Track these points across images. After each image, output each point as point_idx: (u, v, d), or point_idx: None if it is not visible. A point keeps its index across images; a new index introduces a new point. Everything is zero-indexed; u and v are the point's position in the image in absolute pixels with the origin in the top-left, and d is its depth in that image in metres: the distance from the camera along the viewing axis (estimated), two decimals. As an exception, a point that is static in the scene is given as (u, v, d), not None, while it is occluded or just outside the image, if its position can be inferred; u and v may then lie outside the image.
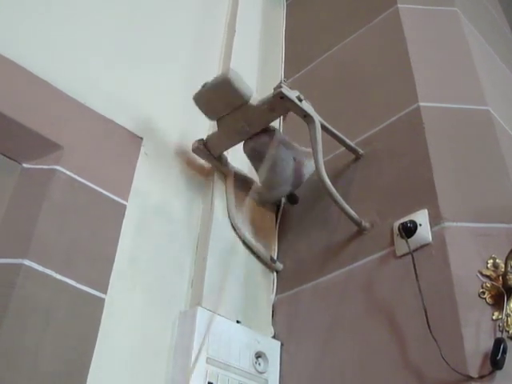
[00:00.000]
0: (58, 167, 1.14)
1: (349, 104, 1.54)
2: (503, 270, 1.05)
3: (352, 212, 1.26)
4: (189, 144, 1.40)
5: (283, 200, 1.50)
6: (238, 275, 1.32)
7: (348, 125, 1.45)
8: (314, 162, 1.26)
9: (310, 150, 1.29)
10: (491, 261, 1.08)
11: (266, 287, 1.36)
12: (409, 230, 1.16)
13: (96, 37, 1.38)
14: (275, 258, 1.41)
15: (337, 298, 1.24)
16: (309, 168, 1.37)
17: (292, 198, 1.46)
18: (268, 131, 1.33)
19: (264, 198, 1.45)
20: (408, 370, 1.04)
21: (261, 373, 1.21)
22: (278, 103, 1.24)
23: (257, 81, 1.72)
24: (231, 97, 1.26)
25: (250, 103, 1.26)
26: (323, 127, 1.30)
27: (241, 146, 1.37)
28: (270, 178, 1.36)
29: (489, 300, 1.04)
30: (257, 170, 1.37)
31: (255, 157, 1.35)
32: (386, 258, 1.19)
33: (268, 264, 1.39)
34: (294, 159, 1.36)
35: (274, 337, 1.30)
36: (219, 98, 1.28)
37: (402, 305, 1.11)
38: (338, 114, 1.49)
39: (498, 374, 0.95)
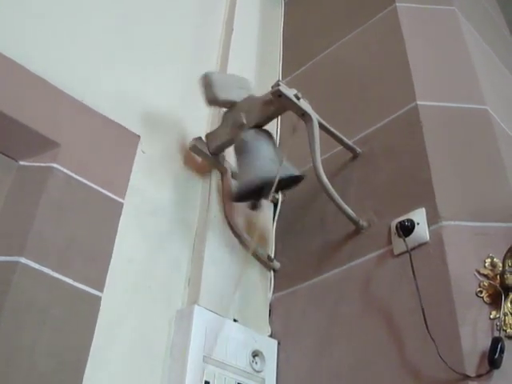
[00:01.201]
0: (54, 165, 1.14)
1: (346, 103, 1.54)
2: (501, 269, 1.05)
3: (349, 211, 1.25)
4: (186, 142, 1.40)
5: (281, 198, 1.49)
6: (235, 274, 1.32)
7: (346, 123, 1.45)
8: (289, 164, 1.25)
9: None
10: (489, 260, 1.08)
11: (263, 286, 1.36)
12: (406, 228, 1.16)
13: (94, 35, 1.38)
14: (272, 256, 1.41)
15: (334, 297, 1.23)
16: (286, 170, 1.25)
17: (256, 198, 1.31)
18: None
19: (239, 191, 1.28)
20: (405, 368, 1.04)
21: (258, 372, 1.21)
22: (275, 98, 1.24)
23: (255, 79, 1.72)
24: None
25: (251, 95, 1.29)
26: (321, 126, 1.29)
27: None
28: (240, 168, 1.31)
29: (486, 299, 1.04)
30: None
31: (237, 152, 1.33)
32: (384, 257, 1.19)
33: (265, 262, 1.39)
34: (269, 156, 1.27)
35: (270, 336, 1.30)
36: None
37: (399, 304, 1.11)
38: (336, 113, 1.49)
39: (496, 373, 0.95)
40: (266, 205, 1.48)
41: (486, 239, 1.12)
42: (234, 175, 1.41)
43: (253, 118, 1.30)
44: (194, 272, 1.27)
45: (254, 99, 1.30)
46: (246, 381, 1.18)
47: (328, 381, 1.15)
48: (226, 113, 1.37)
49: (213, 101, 1.35)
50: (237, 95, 1.34)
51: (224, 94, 1.34)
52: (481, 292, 1.05)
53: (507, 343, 0.97)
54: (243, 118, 1.29)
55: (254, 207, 1.32)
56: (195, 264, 1.28)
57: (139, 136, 1.34)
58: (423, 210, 1.17)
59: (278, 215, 1.48)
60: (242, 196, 1.29)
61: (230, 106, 1.34)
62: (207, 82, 1.33)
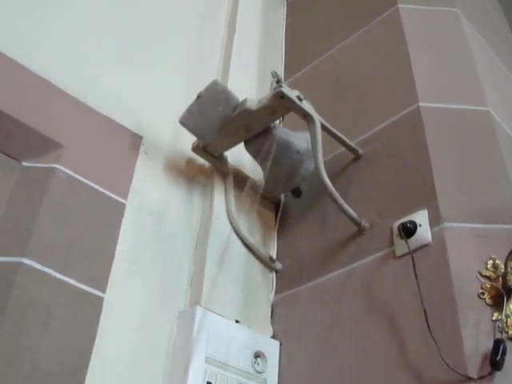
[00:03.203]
0: (57, 166, 1.14)
1: (349, 104, 1.54)
2: (503, 270, 1.05)
3: (352, 212, 1.25)
4: (188, 143, 1.40)
5: (283, 199, 1.50)
6: (237, 275, 1.32)
7: (348, 125, 1.45)
8: (313, 160, 1.26)
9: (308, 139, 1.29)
10: (491, 261, 1.08)
11: (265, 287, 1.36)
12: (408, 230, 1.15)
13: (96, 35, 1.38)
14: (274, 257, 1.41)
15: (336, 298, 1.23)
16: (308, 167, 1.35)
17: (296, 192, 1.43)
18: (268, 130, 1.32)
19: (268, 192, 1.40)
20: (407, 370, 1.04)
21: (259, 372, 1.21)
22: (278, 105, 1.24)
23: (256, 80, 1.72)
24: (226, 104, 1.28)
25: (249, 107, 1.26)
26: (323, 127, 1.29)
27: (241, 145, 1.36)
28: (274, 174, 1.33)
29: (488, 301, 1.04)
30: (263, 168, 1.34)
31: (260, 156, 1.33)
32: (386, 259, 1.19)
33: (267, 263, 1.39)
34: (298, 152, 1.34)
35: (272, 336, 1.30)
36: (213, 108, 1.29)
37: (401, 305, 1.11)
38: (338, 114, 1.49)
39: (498, 374, 0.95)
40: (268, 206, 1.49)
41: (488, 241, 1.11)
42: (236, 176, 1.41)
43: (255, 129, 1.30)
44: (196, 273, 1.27)
45: (253, 110, 1.29)
46: (248, 382, 1.18)
47: (330, 382, 1.15)
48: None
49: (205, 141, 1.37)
50: (221, 114, 1.31)
51: (209, 135, 1.33)
52: (483, 294, 1.05)
53: (509, 345, 0.97)
54: (245, 130, 1.30)
55: (298, 195, 1.43)
56: (197, 265, 1.28)
57: (141, 137, 1.35)
58: (425, 211, 1.17)
59: (280, 216, 1.48)
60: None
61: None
62: (188, 129, 1.33)
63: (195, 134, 1.34)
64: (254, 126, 1.30)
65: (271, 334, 1.30)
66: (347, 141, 1.38)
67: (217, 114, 1.29)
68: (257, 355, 1.23)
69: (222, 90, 1.29)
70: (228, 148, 1.39)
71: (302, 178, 1.36)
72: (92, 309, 1.07)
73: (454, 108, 1.35)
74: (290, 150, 1.34)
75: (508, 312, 1.01)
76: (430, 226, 1.15)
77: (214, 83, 1.28)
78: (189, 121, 1.30)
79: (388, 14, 1.62)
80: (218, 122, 1.30)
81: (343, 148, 1.40)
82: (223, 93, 1.28)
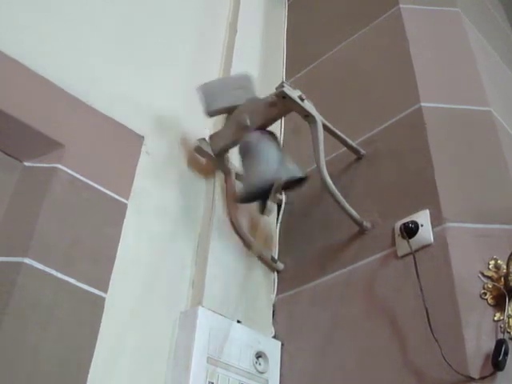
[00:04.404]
0: (59, 165, 1.14)
1: (350, 104, 1.53)
2: (505, 271, 1.05)
3: (353, 212, 1.25)
4: (190, 143, 1.40)
5: (284, 199, 1.50)
6: (239, 275, 1.32)
7: (350, 125, 1.45)
8: (293, 165, 1.26)
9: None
10: (493, 262, 1.08)
11: (266, 287, 1.36)
12: (410, 230, 1.15)
13: (98, 35, 1.38)
14: (276, 257, 1.41)
15: (338, 298, 1.23)
16: (290, 172, 1.24)
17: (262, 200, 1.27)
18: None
19: (245, 193, 1.29)
20: (409, 370, 1.04)
21: (261, 373, 1.21)
22: (279, 100, 1.24)
23: (258, 80, 1.72)
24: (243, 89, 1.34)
25: (254, 96, 1.30)
26: (325, 127, 1.29)
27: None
28: (245, 170, 1.31)
29: (490, 301, 1.04)
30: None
31: (242, 154, 1.32)
32: (388, 259, 1.19)
33: (269, 264, 1.39)
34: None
35: (274, 337, 1.30)
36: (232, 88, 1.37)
37: (403, 305, 1.11)
38: (340, 114, 1.49)
39: (500, 375, 0.95)
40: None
41: (490, 241, 1.11)
42: (238, 176, 1.41)
43: (256, 119, 1.30)
44: (197, 273, 1.27)
45: (258, 100, 1.31)
46: (250, 382, 1.18)
47: (332, 382, 1.15)
48: (228, 115, 1.37)
49: (209, 114, 1.38)
50: (236, 98, 1.35)
51: (218, 103, 1.36)
52: (485, 294, 1.05)
53: (511, 345, 0.97)
54: (247, 120, 1.29)
55: (264, 211, 1.28)
56: (199, 265, 1.28)
57: (143, 137, 1.35)
58: (427, 211, 1.17)
59: (282, 216, 1.48)
60: (247, 198, 1.29)
61: (231, 110, 1.34)
62: (200, 97, 1.36)
63: (205, 101, 1.36)
64: (254, 119, 1.31)
65: (273, 334, 1.30)
66: (349, 141, 1.38)
67: (231, 96, 1.34)
68: (258, 355, 1.23)
69: (248, 77, 1.36)
70: (226, 144, 1.38)
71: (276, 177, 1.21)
72: (93, 309, 1.07)
73: (455, 108, 1.35)
74: (271, 147, 1.28)
75: (510, 312, 1.01)
76: (432, 226, 1.15)
77: (246, 73, 1.38)
78: (205, 89, 1.36)
79: (390, 15, 1.62)
80: (229, 103, 1.35)
81: (345, 148, 1.40)
82: (247, 80, 1.35)
